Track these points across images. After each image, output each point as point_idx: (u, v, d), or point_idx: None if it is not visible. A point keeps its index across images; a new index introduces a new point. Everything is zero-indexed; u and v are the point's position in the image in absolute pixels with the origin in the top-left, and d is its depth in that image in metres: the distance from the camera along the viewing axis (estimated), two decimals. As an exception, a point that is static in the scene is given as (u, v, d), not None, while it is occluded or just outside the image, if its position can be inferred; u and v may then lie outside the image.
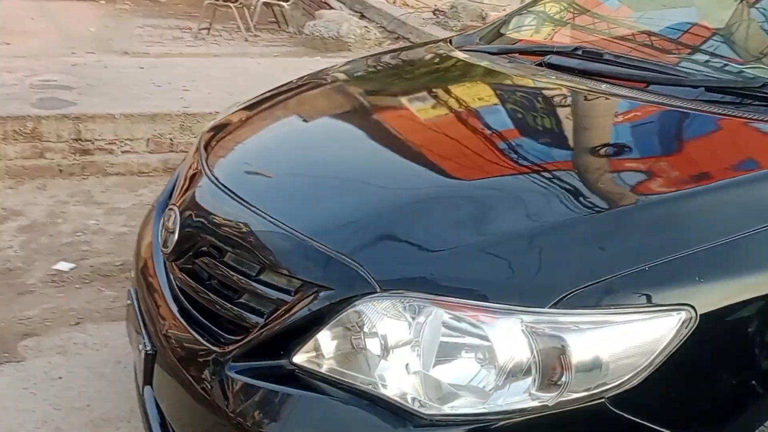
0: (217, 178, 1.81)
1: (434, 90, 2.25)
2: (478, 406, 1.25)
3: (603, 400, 1.21)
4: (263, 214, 1.59)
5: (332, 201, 1.61)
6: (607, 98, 1.83)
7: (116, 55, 6.70)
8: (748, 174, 1.47)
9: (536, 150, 1.71)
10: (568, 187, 1.49)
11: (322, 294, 1.40)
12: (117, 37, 7.79)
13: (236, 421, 1.43)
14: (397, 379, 1.31)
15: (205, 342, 1.59)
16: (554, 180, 1.51)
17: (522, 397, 1.23)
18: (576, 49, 2.14)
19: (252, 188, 1.76)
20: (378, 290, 1.34)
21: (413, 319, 1.31)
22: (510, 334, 1.23)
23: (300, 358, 1.42)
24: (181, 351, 1.65)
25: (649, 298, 1.24)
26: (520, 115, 1.93)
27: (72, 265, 3.36)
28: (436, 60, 2.50)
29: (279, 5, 8.91)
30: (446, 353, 1.29)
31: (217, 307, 1.63)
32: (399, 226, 1.45)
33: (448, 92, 2.22)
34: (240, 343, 1.50)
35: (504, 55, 2.31)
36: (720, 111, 1.66)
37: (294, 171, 1.79)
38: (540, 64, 2.12)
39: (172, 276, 1.82)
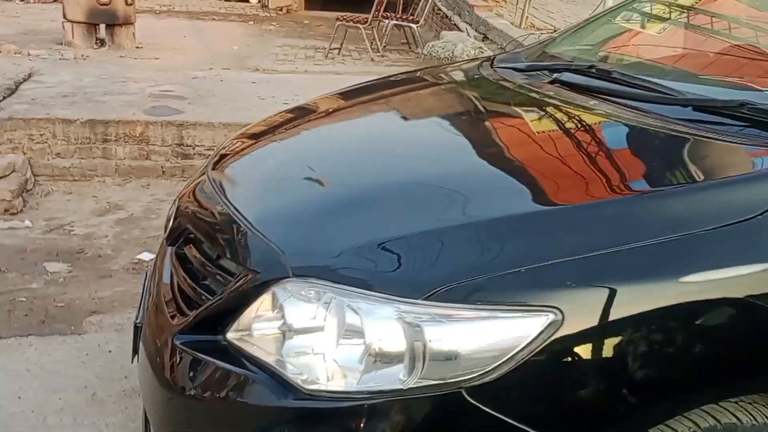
0: (212, 177, 2.00)
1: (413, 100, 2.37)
2: (353, 385, 1.32)
3: (460, 389, 1.26)
4: (232, 208, 1.76)
5: (285, 196, 1.76)
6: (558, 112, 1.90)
7: (248, 71, 7.21)
8: (627, 194, 1.52)
9: (437, 157, 1.79)
10: (462, 192, 1.55)
11: (252, 277, 1.54)
12: (254, 55, 8.35)
13: (171, 382, 1.60)
14: (297, 358, 1.42)
15: (169, 317, 1.77)
16: (450, 185, 1.58)
17: (389, 380, 1.29)
18: (590, 66, 2.16)
19: (234, 186, 1.93)
20: (290, 275, 1.45)
21: (316, 303, 1.41)
22: (386, 322, 1.31)
23: (231, 335, 1.56)
24: (153, 324, 1.84)
25: (518, 297, 1.27)
26: (450, 123, 2.07)
27: (152, 256, 3.70)
28: (460, 74, 2.58)
29: (409, 27, 9.19)
30: (338, 336, 1.38)
31: (189, 287, 1.81)
32: (320, 222, 1.56)
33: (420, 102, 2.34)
34: (188, 318, 1.66)
35: (528, 72, 2.35)
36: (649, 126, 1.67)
37: (269, 173, 1.94)
38: (553, 81, 2.16)
39: (168, 259, 2.02)
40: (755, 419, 1.41)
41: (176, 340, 1.65)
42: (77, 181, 4.48)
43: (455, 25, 9.07)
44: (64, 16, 7.80)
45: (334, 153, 1.98)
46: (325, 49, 8.82)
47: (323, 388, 1.35)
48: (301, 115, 2.41)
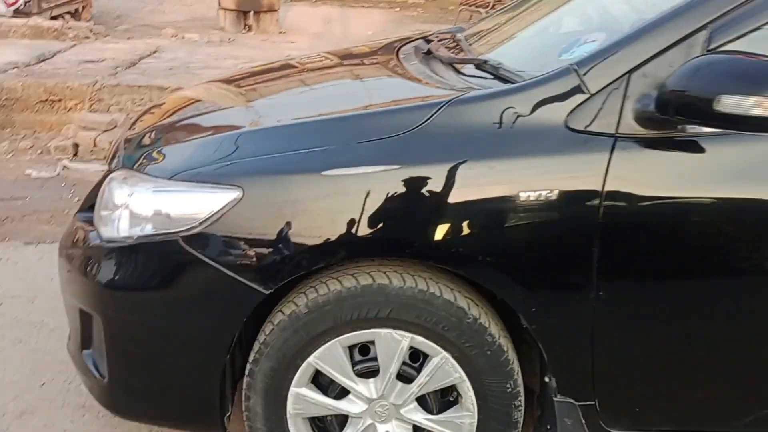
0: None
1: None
2: (113, 233, 1.99)
3: (177, 238, 1.90)
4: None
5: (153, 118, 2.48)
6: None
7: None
8: (327, 116, 2.11)
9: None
10: (242, 117, 2.29)
11: (107, 171, 2.28)
12: (384, 39, 9.07)
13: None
14: (104, 216, 2.08)
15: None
16: (244, 115, 2.30)
17: (128, 233, 1.94)
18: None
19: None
20: (120, 168, 2.15)
21: (125, 185, 2.06)
22: (144, 195, 1.97)
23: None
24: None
25: (217, 179, 1.89)
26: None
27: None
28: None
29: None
30: (122, 207, 2.01)
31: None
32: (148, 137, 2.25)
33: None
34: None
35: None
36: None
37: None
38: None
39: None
40: (404, 281, 1.91)
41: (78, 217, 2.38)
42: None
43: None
44: (219, 5, 9.07)
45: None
46: (452, 32, 9.32)
47: (113, 236, 2.02)
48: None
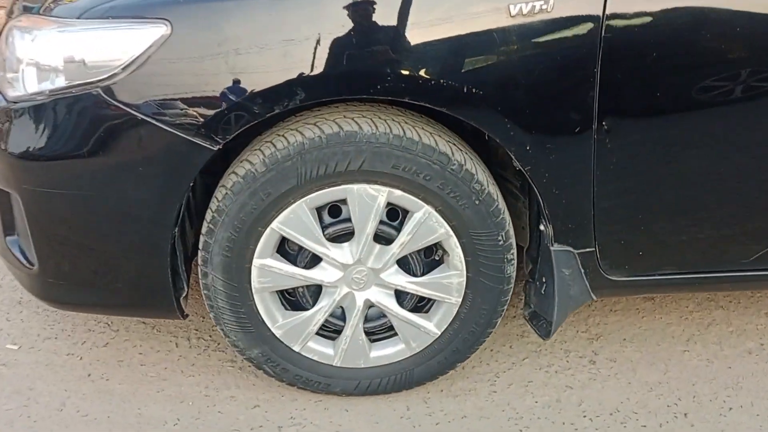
0: None
1: None
2: (20, 92, 1.62)
3: (97, 90, 1.56)
4: None
5: None
6: None
7: None
8: None
9: None
10: None
11: None
12: None
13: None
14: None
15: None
16: None
17: (37, 88, 1.59)
18: None
19: None
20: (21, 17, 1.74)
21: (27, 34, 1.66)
22: (50, 39, 1.59)
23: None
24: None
25: (138, 12, 1.53)
26: None
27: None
28: None
29: None
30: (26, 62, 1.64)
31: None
32: None
33: None
34: None
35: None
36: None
37: None
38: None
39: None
40: (376, 127, 1.63)
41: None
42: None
43: None
44: None
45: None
46: None
47: (20, 95, 1.66)
48: None
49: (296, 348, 1.85)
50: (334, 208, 1.74)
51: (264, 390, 1.97)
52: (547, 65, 1.57)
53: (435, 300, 1.84)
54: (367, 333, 1.87)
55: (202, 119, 1.56)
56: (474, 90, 1.55)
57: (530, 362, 2.08)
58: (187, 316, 1.85)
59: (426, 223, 1.71)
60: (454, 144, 1.69)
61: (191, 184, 1.65)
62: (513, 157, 1.64)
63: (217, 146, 1.58)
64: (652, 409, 1.92)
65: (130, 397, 1.95)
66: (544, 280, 1.84)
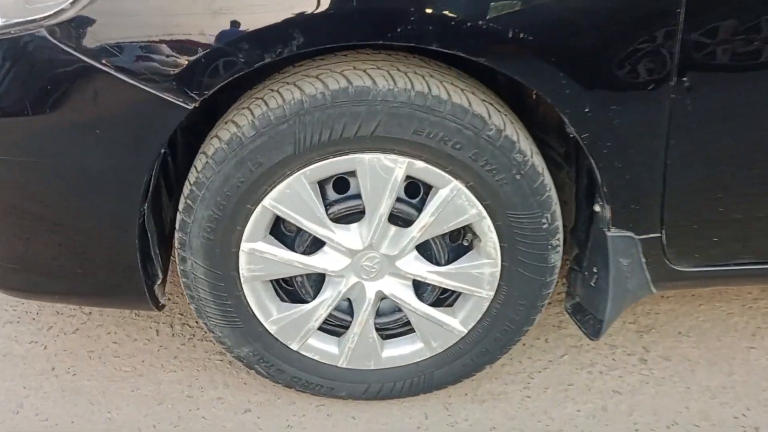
0: None
1: None
2: None
3: (41, 30, 1.22)
4: None
5: None
6: None
7: None
8: None
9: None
10: None
11: None
12: None
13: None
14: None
15: None
16: None
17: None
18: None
19: None
20: None
21: None
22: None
23: None
24: None
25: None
26: None
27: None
28: None
29: None
30: None
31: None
32: None
33: None
34: None
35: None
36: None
37: None
38: None
39: None
40: (394, 82, 1.29)
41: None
42: None
43: None
44: None
45: None
46: None
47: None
48: None
49: (294, 346, 1.55)
50: (341, 182, 1.42)
51: (257, 390, 1.68)
52: (615, 4, 1.22)
53: (461, 293, 1.53)
54: (379, 329, 1.57)
55: (172, 69, 1.23)
56: (522, 35, 1.20)
57: (570, 360, 1.77)
58: (163, 306, 1.55)
59: (454, 202, 1.38)
60: (491, 104, 1.35)
61: (163, 151, 1.32)
62: (566, 121, 1.30)
63: (193, 104, 1.25)
64: (716, 421, 1.62)
65: (99, 397, 1.66)
66: (594, 271, 1.51)
